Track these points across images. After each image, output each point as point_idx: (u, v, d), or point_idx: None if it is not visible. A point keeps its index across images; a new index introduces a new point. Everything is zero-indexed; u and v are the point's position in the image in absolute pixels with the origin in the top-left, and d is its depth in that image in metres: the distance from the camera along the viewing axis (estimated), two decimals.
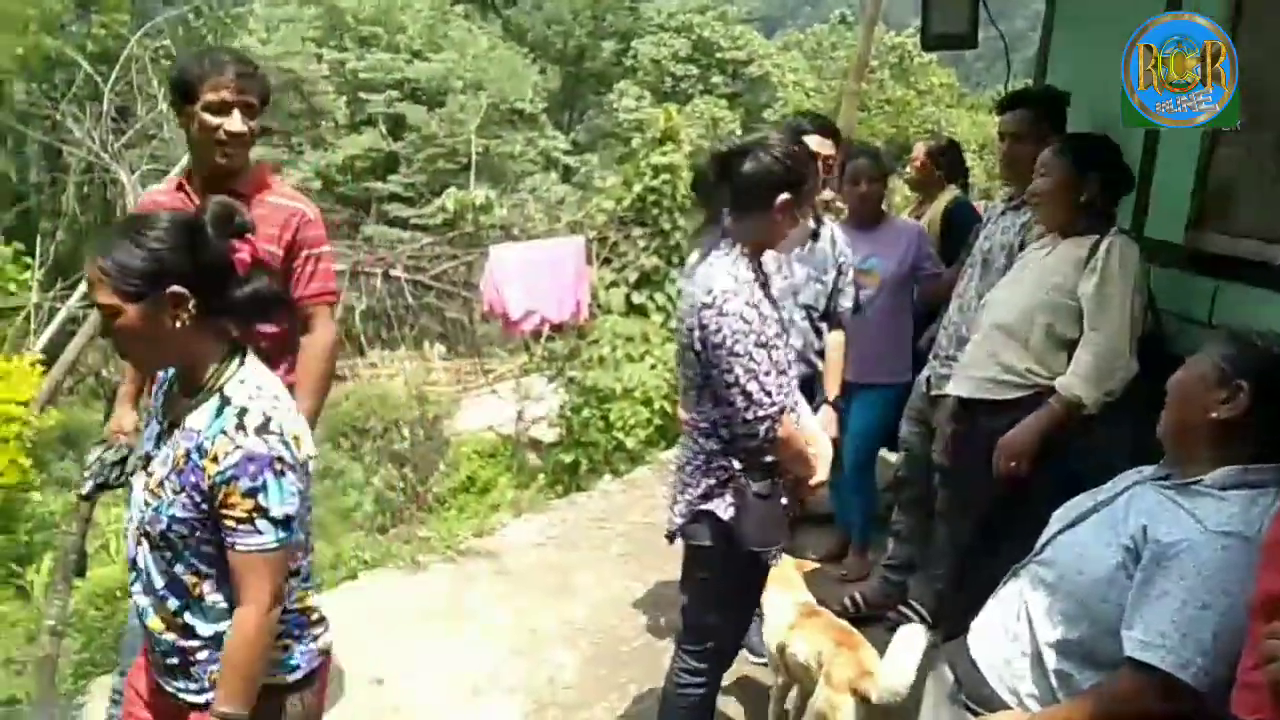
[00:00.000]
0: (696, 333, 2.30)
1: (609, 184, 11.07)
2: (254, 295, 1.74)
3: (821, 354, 3.45)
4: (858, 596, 3.96)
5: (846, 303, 3.48)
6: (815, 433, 2.57)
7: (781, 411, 2.33)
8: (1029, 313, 2.82)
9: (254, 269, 1.75)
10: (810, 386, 3.41)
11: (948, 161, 5.01)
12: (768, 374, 2.28)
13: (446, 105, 24.19)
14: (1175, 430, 1.97)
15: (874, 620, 3.88)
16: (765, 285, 2.42)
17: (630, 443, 7.28)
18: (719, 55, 32.38)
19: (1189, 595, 1.73)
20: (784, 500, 2.43)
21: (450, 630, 3.94)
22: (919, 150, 5.20)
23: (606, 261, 8.90)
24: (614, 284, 8.55)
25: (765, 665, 3.53)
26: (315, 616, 1.89)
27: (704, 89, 31.11)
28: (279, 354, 2.50)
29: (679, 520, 2.47)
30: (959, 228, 4.34)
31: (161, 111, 10.80)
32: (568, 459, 7.60)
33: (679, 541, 2.55)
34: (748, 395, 2.26)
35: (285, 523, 1.68)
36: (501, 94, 25.93)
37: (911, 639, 2.42)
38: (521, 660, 3.71)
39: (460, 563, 4.65)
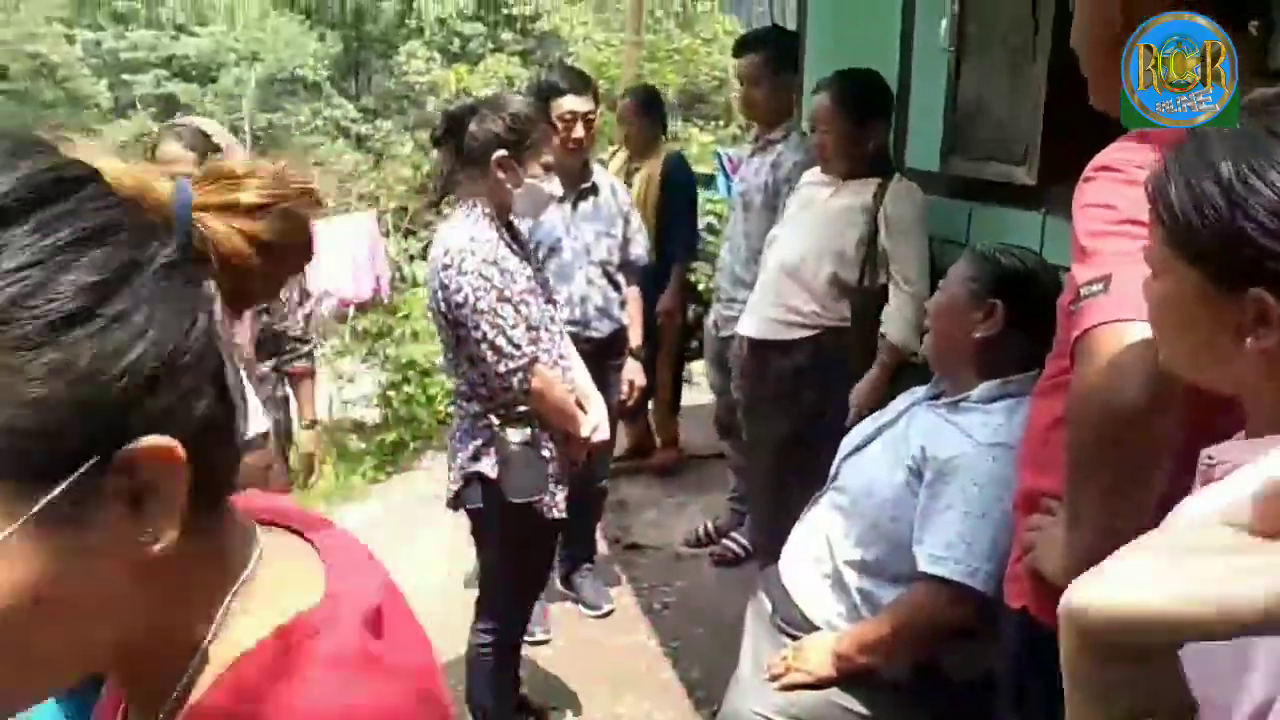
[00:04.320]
0: (439, 294, 2.30)
1: (406, 150, 10.71)
2: None
3: (624, 306, 3.49)
4: (708, 525, 4.09)
5: (638, 250, 3.53)
6: (588, 392, 2.58)
7: (533, 362, 2.34)
8: (813, 259, 2.94)
9: None
10: (618, 342, 3.46)
11: (657, 111, 4.50)
12: (514, 328, 2.29)
13: (220, 80, 22.85)
14: (940, 351, 2.09)
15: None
16: (515, 243, 2.42)
17: None
18: (505, 11, 31.79)
19: (968, 507, 1.85)
20: (547, 453, 2.42)
21: None
22: (625, 105, 4.59)
23: (410, 233, 8.63)
24: (420, 255, 8.33)
25: (602, 618, 3.60)
26: None
27: (494, 47, 30.36)
28: None
29: (454, 487, 2.47)
30: (680, 185, 4.31)
31: None
32: (391, 437, 7.43)
33: None
34: (497, 349, 2.28)
35: None
36: (280, 63, 24.69)
37: None
38: None
39: None
